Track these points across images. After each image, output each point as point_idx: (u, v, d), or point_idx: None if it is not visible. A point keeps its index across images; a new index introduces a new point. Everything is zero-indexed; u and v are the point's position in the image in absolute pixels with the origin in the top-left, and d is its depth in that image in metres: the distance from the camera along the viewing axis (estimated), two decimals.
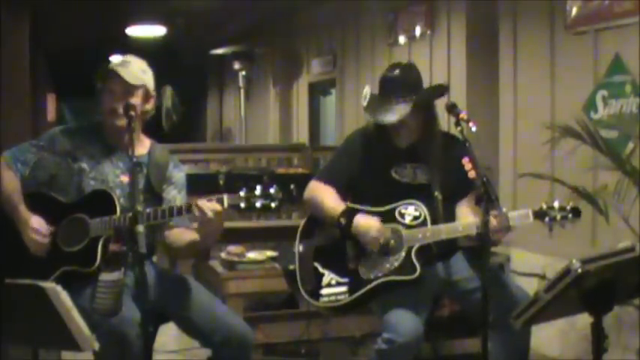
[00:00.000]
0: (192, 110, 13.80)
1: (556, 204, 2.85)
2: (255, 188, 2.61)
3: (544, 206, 2.84)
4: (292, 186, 2.64)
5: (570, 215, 2.83)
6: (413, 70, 3.14)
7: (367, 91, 3.15)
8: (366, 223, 2.96)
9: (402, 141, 3.09)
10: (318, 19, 8.62)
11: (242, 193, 2.61)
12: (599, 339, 2.24)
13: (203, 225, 2.70)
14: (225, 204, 2.62)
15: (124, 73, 2.82)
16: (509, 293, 2.94)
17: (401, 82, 3.05)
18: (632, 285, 2.33)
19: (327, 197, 3.06)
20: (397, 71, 3.09)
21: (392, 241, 2.95)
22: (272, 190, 2.60)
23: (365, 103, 3.11)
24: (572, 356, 4.25)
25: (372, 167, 3.07)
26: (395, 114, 2.98)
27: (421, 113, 3.05)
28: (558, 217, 2.82)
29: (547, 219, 2.82)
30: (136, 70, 2.87)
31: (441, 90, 3.21)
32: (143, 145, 2.98)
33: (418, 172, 3.07)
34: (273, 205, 2.59)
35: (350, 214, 2.98)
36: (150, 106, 2.94)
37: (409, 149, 3.08)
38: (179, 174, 2.99)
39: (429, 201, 2.99)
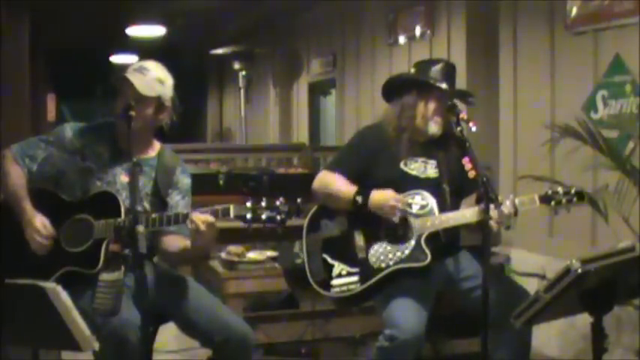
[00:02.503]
0: (192, 110, 13.80)
1: (560, 189, 2.93)
2: (261, 199, 2.58)
3: (549, 191, 2.92)
4: (299, 199, 2.63)
5: (575, 198, 2.90)
6: None
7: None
8: (383, 194, 2.98)
9: (425, 130, 3.08)
10: (318, 19, 8.62)
11: (248, 204, 2.59)
12: (599, 339, 2.24)
13: (195, 236, 2.69)
14: (232, 214, 2.61)
15: (137, 81, 2.79)
16: (511, 291, 2.95)
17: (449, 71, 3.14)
18: (632, 285, 2.33)
19: (338, 183, 3.08)
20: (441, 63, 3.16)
21: (409, 205, 2.97)
22: (278, 203, 2.59)
23: (425, 77, 3.10)
24: (572, 356, 4.25)
25: (383, 159, 3.09)
26: (452, 83, 3.07)
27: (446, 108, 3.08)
28: (564, 200, 2.89)
29: (553, 203, 2.89)
30: (152, 80, 2.83)
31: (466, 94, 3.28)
32: (152, 149, 2.97)
33: (428, 166, 3.09)
34: (279, 217, 2.58)
35: (366, 191, 3.00)
36: (164, 115, 2.91)
37: (423, 145, 3.11)
38: (185, 180, 2.98)
39: (437, 193, 3.01)
